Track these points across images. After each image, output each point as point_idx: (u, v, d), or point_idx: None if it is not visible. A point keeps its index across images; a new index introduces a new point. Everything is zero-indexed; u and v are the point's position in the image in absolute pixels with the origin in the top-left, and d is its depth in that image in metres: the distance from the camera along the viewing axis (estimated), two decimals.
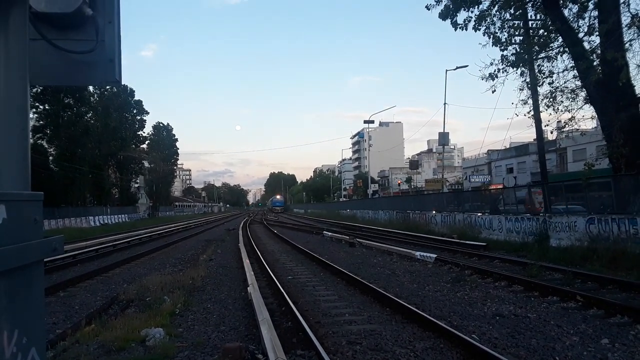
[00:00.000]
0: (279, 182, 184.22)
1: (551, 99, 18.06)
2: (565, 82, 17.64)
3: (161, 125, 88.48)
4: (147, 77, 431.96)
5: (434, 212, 28.38)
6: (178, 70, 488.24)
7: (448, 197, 33.00)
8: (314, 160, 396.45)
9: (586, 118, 17.76)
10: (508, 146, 55.03)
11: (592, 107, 16.50)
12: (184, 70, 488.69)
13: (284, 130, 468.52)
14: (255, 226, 42.02)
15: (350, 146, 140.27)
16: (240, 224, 42.01)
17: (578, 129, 19.54)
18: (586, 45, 16.10)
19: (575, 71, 16.56)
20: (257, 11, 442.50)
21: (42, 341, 1.33)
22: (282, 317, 8.03)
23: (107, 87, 49.81)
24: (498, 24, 18.54)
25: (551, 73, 18.20)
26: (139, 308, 8.92)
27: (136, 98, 68.06)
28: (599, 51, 15.38)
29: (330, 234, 26.00)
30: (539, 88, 19.07)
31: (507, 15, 18.78)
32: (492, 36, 18.34)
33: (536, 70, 18.93)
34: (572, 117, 17.38)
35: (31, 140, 1.56)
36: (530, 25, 19.68)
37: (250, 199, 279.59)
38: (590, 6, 16.04)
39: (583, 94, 16.96)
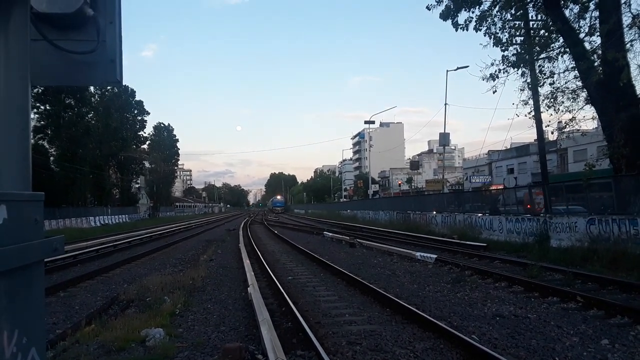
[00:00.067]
0: (279, 182, 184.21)
1: (552, 100, 18.07)
2: (566, 83, 17.68)
3: (162, 125, 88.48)
4: (148, 77, 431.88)
5: (434, 212, 28.37)
6: (178, 71, 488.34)
7: (448, 197, 32.99)
8: (314, 161, 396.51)
9: (587, 118, 17.72)
10: (509, 147, 54.99)
11: (592, 108, 16.50)
12: (184, 70, 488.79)
13: (284, 130, 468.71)
14: (256, 226, 42.02)
15: (351, 146, 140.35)
16: (240, 225, 42.01)
17: (579, 130, 19.56)
18: (587, 45, 16.13)
19: (576, 71, 16.56)
20: (257, 11, 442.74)
21: (42, 341, 1.33)
22: (282, 318, 8.03)
23: (108, 87, 49.91)
24: (499, 24, 18.58)
25: (552, 73, 18.22)
26: (139, 308, 8.92)
27: (137, 98, 68.09)
28: (599, 51, 15.39)
29: (330, 234, 26.00)
30: (539, 88, 19.08)
31: (508, 16, 18.81)
32: (493, 37, 18.35)
33: (537, 71, 18.93)
34: (572, 117, 17.40)
35: (32, 141, 1.56)
36: (531, 26, 19.69)
37: (251, 199, 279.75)
38: (591, 6, 16.07)
39: (584, 94, 16.98)
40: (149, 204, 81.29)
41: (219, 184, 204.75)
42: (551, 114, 18.39)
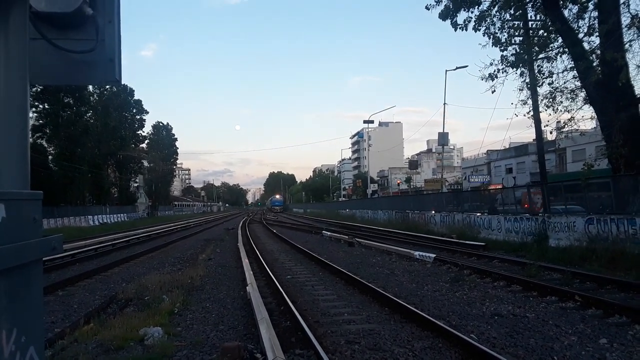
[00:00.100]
0: (278, 181, 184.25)
1: (551, 99, 18.09)
2: (564, 83, 17.69)
3: (161, 124, 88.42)
4: (147, 76, 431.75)
5: (433, 212, 28.39)
6: (178, 70, 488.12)
7: (447, 197, 33.01)
8: (313, 160, 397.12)
9: (586, 118, 17.83)
10: (507, 146, 55.08)
11: (591, 108, 16.52)
12: (184, 69, 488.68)
13: (283, 130, 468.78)
14: (255, 226, 42.02)
15: (350, 146, 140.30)
16: (239, 224, 42.01)
17: (577, 129, 19.64)
18: (586, 45, 16.14)
19: (575, 71, 16.58)
20: (257, 11, 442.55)
21: (40, 340, 1.34)
22: (281, 317, 8.04)
23: (107, 86, 49.81)
24: (498, 24, 18.58)
25: (551, 73, 18.24)
26: (137, 307, 8.92)
27: (136, 98, 68.07)
28: (598, 52, 15.39)
29: (329, 233, 26.00)
30: (538, 88, 19.12)
31: (507, 16, 18.81)
32: (492, 36, 18.35)
33: (536, 71, 18.95)
34: (571, 117, 17.42)
35: (31, 140, 1.56)
36: (530, 26, 19.71)
37: (250, 198, 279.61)
38: (590, 7, 16.07)
39: (582, 94, 16.99)
40: (147, 203, 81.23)
41: (217, 183, 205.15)
42: (550, 114, 18.45)
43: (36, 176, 38.25)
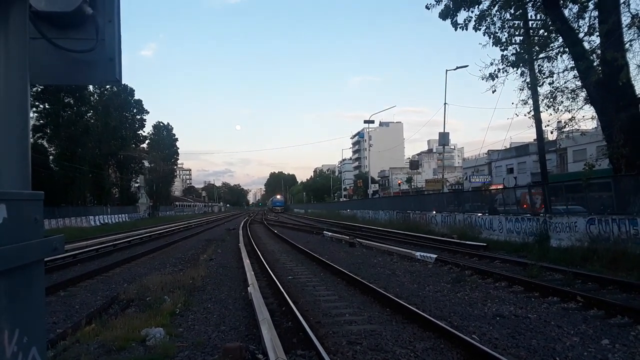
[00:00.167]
0: (279, 182, 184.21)
1: (551, 99, 18.06)
2: (565, 82, 17.67)
3: (161, 124, 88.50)
4: (147, 76, 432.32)
5: (434, 212, 28.37)
6: (178, 70, 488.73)
7: (448, 197, 32.99)
8: (314, 160, 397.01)
9: (586, 118, 17.77)
10: (508, 146, 55.00)
11: (592, 107, 16.50)
12: (184, 69, 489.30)
13: (284, 130, 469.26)
14: (256, 226, 42.03)
15: (351, 146, 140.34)
16: (240, 224, 42.01)
17: (578, 129, 19.56)
18: (586, 45, 16.12)
19: (576, 71, 16.56)
20: (257, 11, 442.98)
21: (42, 340, 1.33)
22: (283, 317, 8.03)
23: (107, 86, 49.84)
24: (498, 24, 18.58)
25: (551, 73, 18.22)
26: (139, 308, 8.92)
27: (136, 97, 68.11)
28: (599, 51, 15.37)
29: (330, 234, 26.00)
30: (539, 88, 19.08)
31: (507, 15, 18.80)
32: (492, 36, 18.35)
33: (536, 71, 18.94)
34: (572, 117, 17.38)
35: (31, 140, 1.55)
36: (530, 26, 19.68)
37: (251, 198, 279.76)
38: (591, 6, 16.06)
39: (583, 94, 16.97)
40: (148, 203, 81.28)
41: (218, 184, 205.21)
42: (551, 114, 18.41)
43: (37, 176, 38.28)
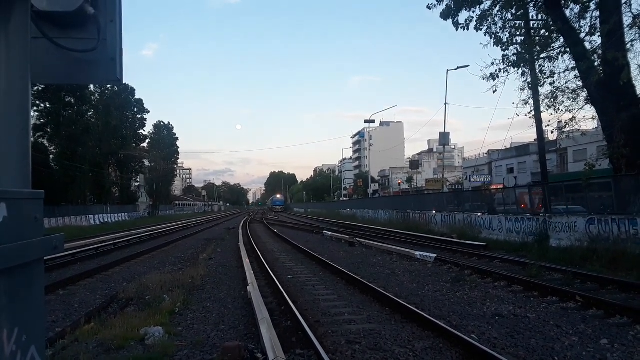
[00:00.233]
0: (279, 181, 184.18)
1: (552, 99, 18.05)
2: (566, 82, 17.65)
3: (162, 124, 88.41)
4: (148, 76, 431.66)
5: (434, 211, 28.37)
6: (178, 70, 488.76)
7: (448, 197, 32.98)
8: (314, 160, 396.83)
9: (587, 118, 17.73)
10: (509, 146, 54.92)
11: (593, 108, 16.49)
12: (185, 69, 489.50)
13: (284, 129, 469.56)
14: (255, 225, 42.03)
15: (351, 146, 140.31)
16: (240, 223, 42.01)
17: (579, 129, 19.55)
18: (587, 45, 16.10)
19: (577, 71, 16.54)
20: (257, 11, 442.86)
21: (41, 339, 1.33)
22: (282, 317, 8.04)
23: (108, 85, 49.83)
24: (499, 24, 18.55)
25: (552, 73, 18.20)
26: (138, 307, 8.92)
27: (137, 97, 68.11)
28: (600, 51, 15.37)
29: (330, 233, 26.00)
30: (540, 88, 19.05)
31: (509, 16, 18.78)
32: (493, 36, 18.32)
33: (537, 71, 18.91)
34: (573, 117, 17.36)
35: (32, 139, 1.55)
36: (531, 26, 19.67)
37: (251, 198, 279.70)
38: (592, 6, 16.05)
39: (584, 94, 16.95)
40: (148, 202, 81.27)
41: (218, 183, 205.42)
42: (551, 114, 18.39)
43: (37, 175, 38.25)
